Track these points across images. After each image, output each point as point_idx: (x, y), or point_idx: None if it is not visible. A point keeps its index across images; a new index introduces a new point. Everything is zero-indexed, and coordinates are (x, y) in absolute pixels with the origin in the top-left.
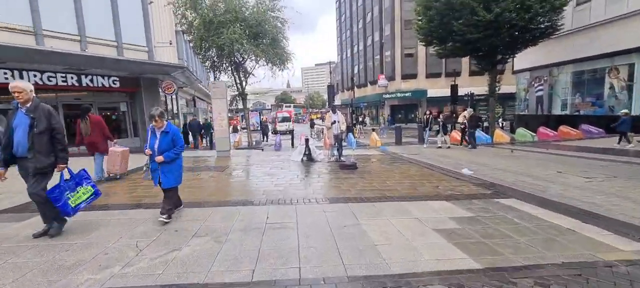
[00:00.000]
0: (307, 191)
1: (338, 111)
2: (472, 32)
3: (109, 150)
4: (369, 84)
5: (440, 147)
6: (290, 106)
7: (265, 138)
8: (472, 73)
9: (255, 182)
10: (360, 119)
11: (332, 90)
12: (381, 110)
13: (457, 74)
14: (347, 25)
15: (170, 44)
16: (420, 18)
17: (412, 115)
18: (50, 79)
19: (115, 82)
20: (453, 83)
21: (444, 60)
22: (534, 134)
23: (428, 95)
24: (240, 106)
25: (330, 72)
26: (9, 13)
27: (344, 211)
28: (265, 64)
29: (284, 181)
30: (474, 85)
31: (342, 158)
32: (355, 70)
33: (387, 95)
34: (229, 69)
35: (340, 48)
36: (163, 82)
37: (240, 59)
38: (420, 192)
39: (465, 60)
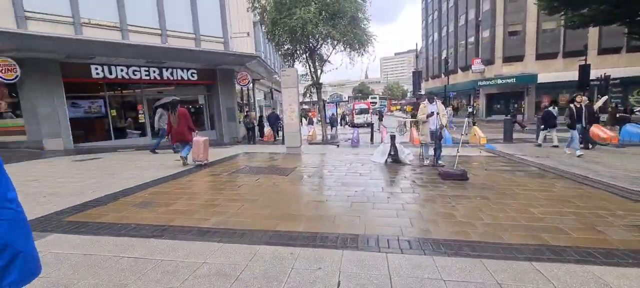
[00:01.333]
0: (402, 220)
1: (437, 100)
2: None
3: (194, 139)
4: (459, 70)
5: (556, 146)
6: (375, 98)
7: (332, 129)
8: (603, 51)
9: (324, 197)
10: (469, 110)
11: (417, 76)
12: (475, 100)
13: (580, 53)
14: (434, 5)
15: (248, 35)
16: None
17: (516, 105)
18: (135, 72)
19: (193, 74)
20: (583, 62)
21: (562, 36)
22: None
23: (538, 81)
24: (315, 98)
25: (417, 57)
26: (97, 10)
27: (478, 277)
28: (343, 48)
29: (365, 197)
30: (604, 67)
31: (440, 162)
32: (444, 55)
33: (484, 82)
34: (304, 55)
35: (425, 32)
36: (238, 73)
37: (315, 44)
38: (612, 239)
39: (593, 35)
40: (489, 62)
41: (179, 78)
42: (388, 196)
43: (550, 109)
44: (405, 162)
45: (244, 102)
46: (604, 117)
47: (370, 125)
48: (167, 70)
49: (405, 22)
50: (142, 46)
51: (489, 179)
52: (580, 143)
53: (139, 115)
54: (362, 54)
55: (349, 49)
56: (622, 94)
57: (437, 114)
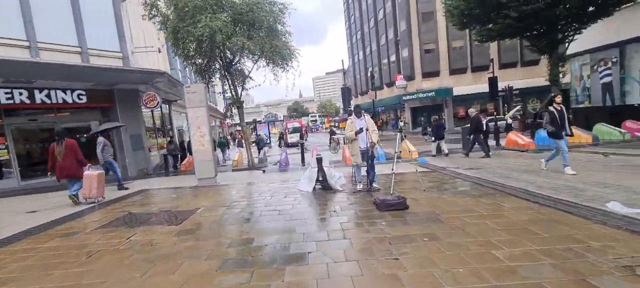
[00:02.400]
0: None
1: (365, 115)
2: (529, 1)
3: (85, 174)
4: (385, 86)
5: (446, 154)
6: (315, 116)
7: (259, 153)
8: (503, 66)
9: (214, 263)
10: (399, 125)
11: (347, 92)
12: (402, 114)
13: (485, 67)
14: (357, 26)
15: (159, 50)
16: None
17: (436, 117)
18: None
19: (80, 96)
20: (491, 75)
21: (469, 53)
22: (624, 131)
23: (454, 93)
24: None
25: (344, 74)
26: None
27: None
28: (265, 63)
29: (277, 258)
30: (505, 80)
31: (374, 184)
32: (369, 73)
33: (407, 97)
34: (220, 70)
35: (351, 51)
36: (144, 94)
37: (231, 57)
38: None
39: (494, 52)
40: (410, 77)
41: (60, 101)
42: (310, 251)
43: (442, 121)
44: (336, 188)
45: (165, 127)
46: (515, 124)
47: (301, 144)
48: (40, 92)
49: (333, 41)
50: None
51: (431, 205)
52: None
53: (0, 151)
54: (286, 70)
55: (271, 65)
56: (522, 103)
57: (367, 130)
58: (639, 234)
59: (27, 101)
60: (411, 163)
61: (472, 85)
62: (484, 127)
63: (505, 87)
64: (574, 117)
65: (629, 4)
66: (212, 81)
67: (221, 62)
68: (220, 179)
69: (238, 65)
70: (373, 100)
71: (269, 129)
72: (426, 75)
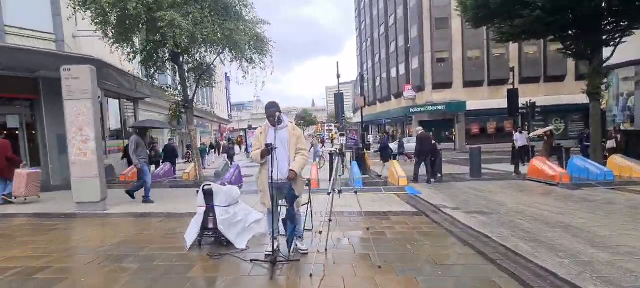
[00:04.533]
0: None
1: (288, 121)
2: None
3: (16, 172)
4: (392, 97)
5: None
6: (331, 126)
7: (231, 162)
8: (525, 80)
9: None
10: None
11: (339, 99)
12: (408, 128)
13: (502, 81)
14: (367, 33)
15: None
16: None
17: (447, 133)
18: None
19: None
20: (511, 88)
21: (487, 65)
22: None
23: (467, 108)
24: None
25: (355, 84)
26: None
27: None
28: (233, 57)
29: None
30: (527, 96)
31: (299, 245)
32: (377, 82)
33: (416, 109)
34: (165, 59)
35: (360, 60)
36: None
37: (175, 43)
38: None
39: (513, 61)
40: (419, 88)
41: None
42: None
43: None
44: (237, 243)
45: (127, 128)
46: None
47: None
48: None
49: (349, 51)
50: None
51: None
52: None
53: None
54: (252, 64)
55: (237, 58)
56: (544, 122)
57: (276, 148)
58: None
59: None
60: (394, 196)
61: (488, 99)
62: (433, 148)
63: (526, 102)
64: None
65: None
66: (160, 72)
67: (169, 50)
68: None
69: (198, 56)
70: (361, 106)
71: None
72: (437, 86)
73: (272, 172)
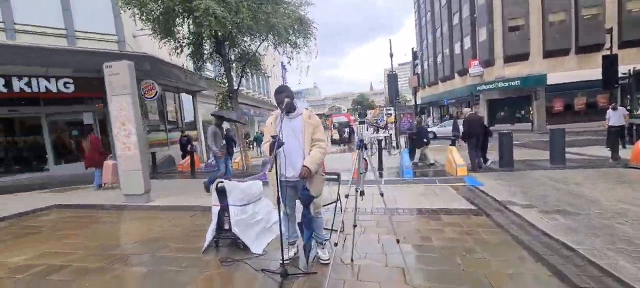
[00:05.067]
0: None
1: (303, 108)
2: None
3: (104, 163)
4: (456, 75)
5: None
6: (390, 110)
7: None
8: (626, 44)
9: None
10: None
11: (392, 80)
12: (474, 107)
13: (595, 47)
14: (426, 6)
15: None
16: None
17: (522, 112)
18: None
19: (67, 85)
20: (607, 54)
21: (574, 29)
22: None
23: (548, 82)
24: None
25: (414, 65)
26: None
27: None
28: (275, 41)
29: None
30: (629, 63)
31: (320, 253)
32: (439, 60)
33: (483, 87)
34: (210, 51)
35: (419, 36)
36: (142, 83)
37: (213, 32)
38: None
39: (612, 23)
40: (488, 63)
41: (43, 90)
42: None
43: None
44: (254, 249)
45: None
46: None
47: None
48: (19, 80)
49: (409, 30)
50: None
51: None
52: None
53: None
54: (296, 49)
55: (280, 43)
56: None
57: (281, 141)
58: None
59: (4, 90)
60: (450, 189)
61: (575, 70)
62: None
63: (629, 71)
64: None
65: None
66: (207, 64)
67: (213, 39)
68: (167, 193)
69: (242, 45)
70: (415, 87)
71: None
72: (510, 59)
73: (278, 168)
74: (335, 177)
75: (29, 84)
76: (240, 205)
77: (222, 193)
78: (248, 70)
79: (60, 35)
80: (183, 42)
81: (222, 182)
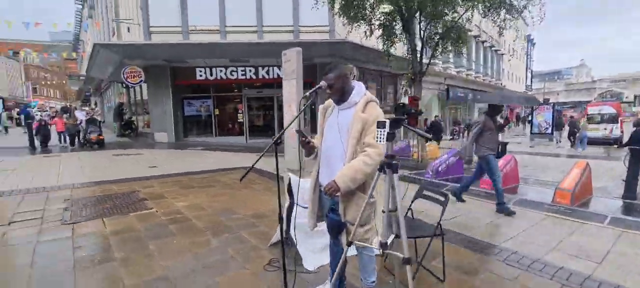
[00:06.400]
0: None
1: (361, 96)
2: None
3: None
4: None
5: None
6: None
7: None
8: None
9: None
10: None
11: None
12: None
13: None
14: None
15: None
16: None
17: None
18: (232, 73)
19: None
20: None
21: None
22: None
23: None
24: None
25: None
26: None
27: None
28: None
29: None
30: None
31: None
32: None
33: None
34: (399, 32)
35: None
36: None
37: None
38: None
39: None
40: None
41: (275, 76)
42: None
43: None
44: (306, 263)
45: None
46: None
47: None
48: (263, 69)
49: None
50: (236, 44)
51: None
52: None
53: (239, 115)
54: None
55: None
56: None
57: (305, 138)
58: None
59: (254, 77)
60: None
61: None
62: None
63: None
64: None
65: None
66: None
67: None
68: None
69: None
70: None
71: (554, 114)
72: None
73: (300, 173)
74: (443, 198)
75: (268, 72)
76: (305, 207)
77: (290, 188)
78: (447, 45)
79: (289, 31)
80: (375, 24)
81: (290, 174)
